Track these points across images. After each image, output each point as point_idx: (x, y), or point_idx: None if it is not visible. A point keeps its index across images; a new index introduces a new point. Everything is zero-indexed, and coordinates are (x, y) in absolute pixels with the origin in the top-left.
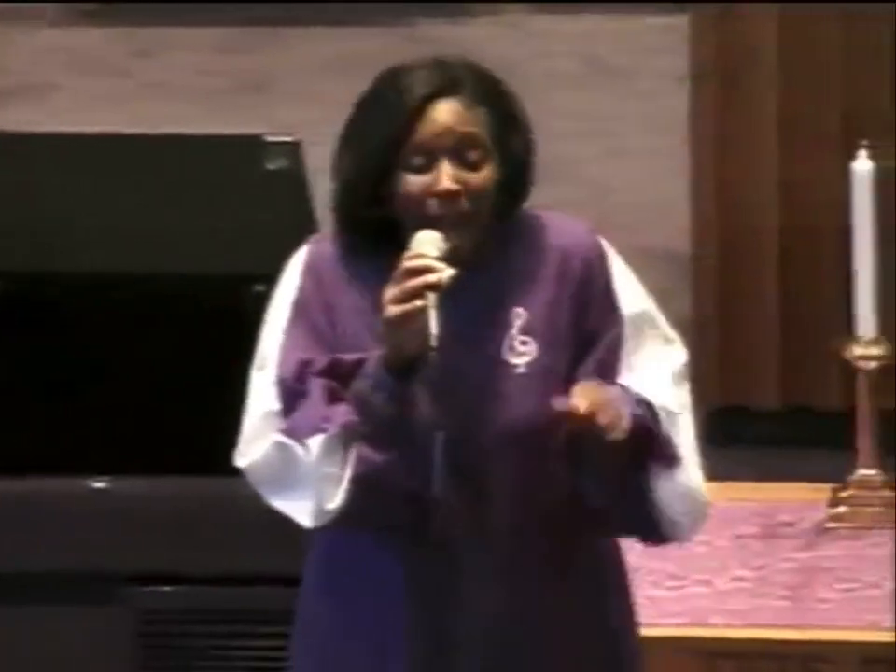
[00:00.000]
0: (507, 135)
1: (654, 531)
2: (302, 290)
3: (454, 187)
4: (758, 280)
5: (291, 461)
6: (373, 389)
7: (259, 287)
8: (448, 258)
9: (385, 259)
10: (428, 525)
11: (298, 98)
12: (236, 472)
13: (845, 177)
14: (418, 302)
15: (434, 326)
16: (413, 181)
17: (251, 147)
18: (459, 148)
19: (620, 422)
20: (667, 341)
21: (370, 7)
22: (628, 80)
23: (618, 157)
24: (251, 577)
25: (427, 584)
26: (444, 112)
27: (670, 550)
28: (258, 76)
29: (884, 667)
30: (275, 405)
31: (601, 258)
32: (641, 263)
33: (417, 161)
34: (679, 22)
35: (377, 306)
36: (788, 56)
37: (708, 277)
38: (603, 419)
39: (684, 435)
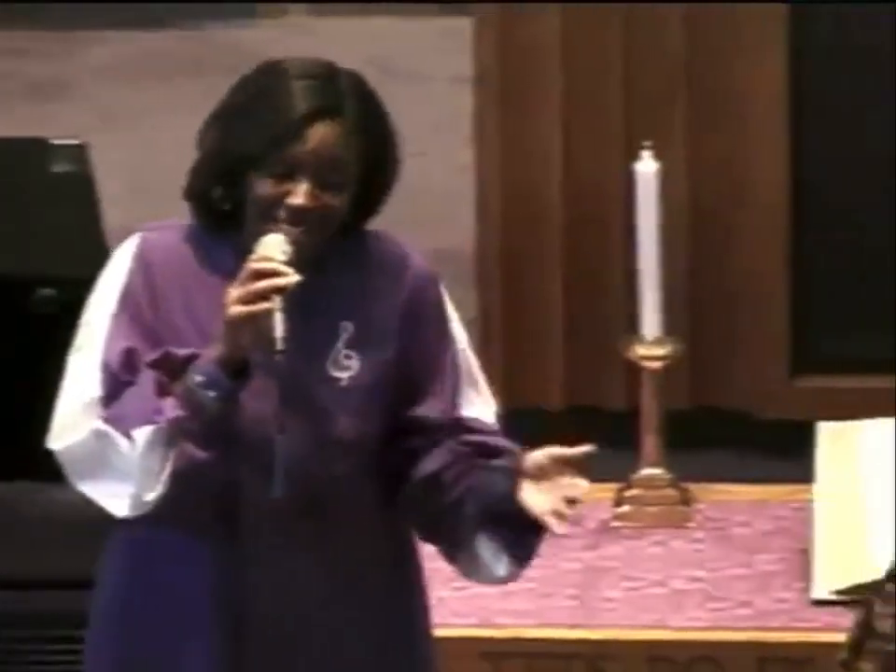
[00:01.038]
0: (378, 163)
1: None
2: (131, 280)
3: (308, 205)
4: (542, 280)
5: (111, 449)
6: (205, 387)
7: (46, 291)
8: (290, 263)
9: (228, 256)
10: (238, 525)
11: (86, 101)
12: (20, 476)
13: (628, 177)
14: (264, 305)
15: (280, 329)
16: (270, 185)
17: (37, 150)
18: (325, 170)
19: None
20: (483, 386)
21: (161, 9)
22: (413, 81)
23: (403, 157)
24: (39, 580)
25: (234, 584)
26: (321, 135)
27: None
28: (46, 79)
29: (668, 665)
30: (97, 391)
31: (433, 281)
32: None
33: (280, 169)
34: (462, 24)
35: (214, 304)
36: (570, 56)
37: (493, 277)
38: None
39: None
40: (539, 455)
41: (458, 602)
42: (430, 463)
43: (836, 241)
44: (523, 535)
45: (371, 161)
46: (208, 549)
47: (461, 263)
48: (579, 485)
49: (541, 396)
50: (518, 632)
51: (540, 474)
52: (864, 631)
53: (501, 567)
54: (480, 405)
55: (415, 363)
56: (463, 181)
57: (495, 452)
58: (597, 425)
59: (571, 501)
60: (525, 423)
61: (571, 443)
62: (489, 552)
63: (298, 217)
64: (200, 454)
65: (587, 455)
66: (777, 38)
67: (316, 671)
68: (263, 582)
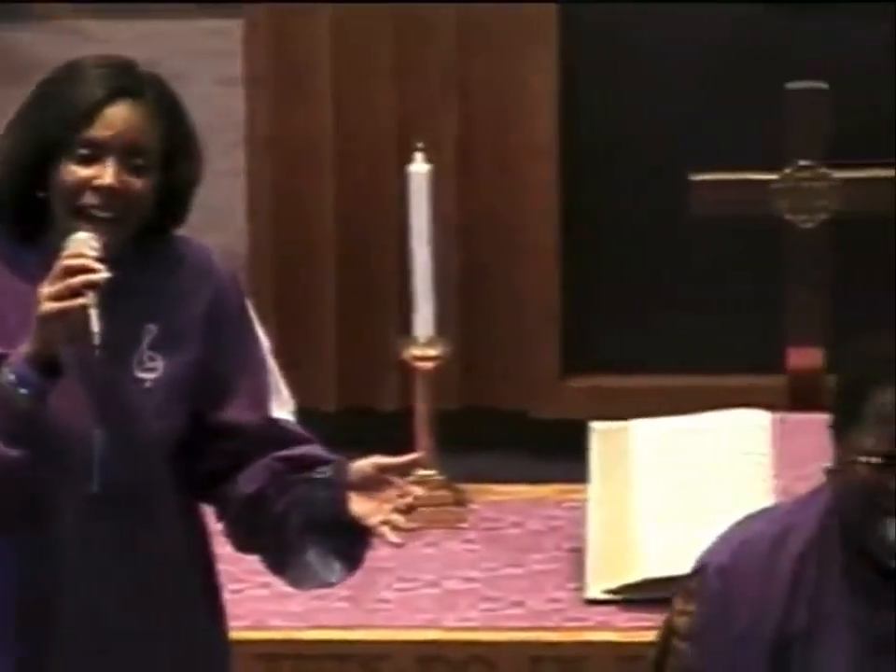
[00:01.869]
0: (177, 155)
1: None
2: None
3: (115, 184)
4: (315, 282)
5: None
6: (16, 384)
7: None
8: (100, 260)
9: (34, 262)
10: (47, 525)
11: None
12: None
13: (402, 179)
14: (78, 300)
15: (95, 324)
16: (75, 171)
17: None
18: (128, 151)
19: None
20: (283, 387)
21: None
22: (183, 83)
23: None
24: None
25: (40, 585)
26: (123, 113)
27: (235, 554)
28: None
29: (442, 665)
30: None
31: (236, 283)
32: None
33: (84, 152)
34: (232, 25)
35: (22, 311)
36: (341, 58)
37: (266, 279)
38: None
39: None
40: (364, 465)
41: (232, 604)
42: (252, 481)
43: (606, 241)
44: (352, 541)
45: (173, 150)
46: (16, 550)
47: (233, 265)
48: (411, 493)
49: (315, 397)
50: (292, 634)
51: (367, 483)
52: (667, 629)
53: (333, 573)
54: (285, 406)
55: (221, 365)
56: (234, 183)
57: (316, 462)
58: (371, 426)
59: (405, 511)
60: (301, 424)
61: (344, 446)
62: (319, 560)
63: (104, 198)
64: (10, 452)
65: (413, 462)
66: (548, 38)
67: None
68: (70, 583)
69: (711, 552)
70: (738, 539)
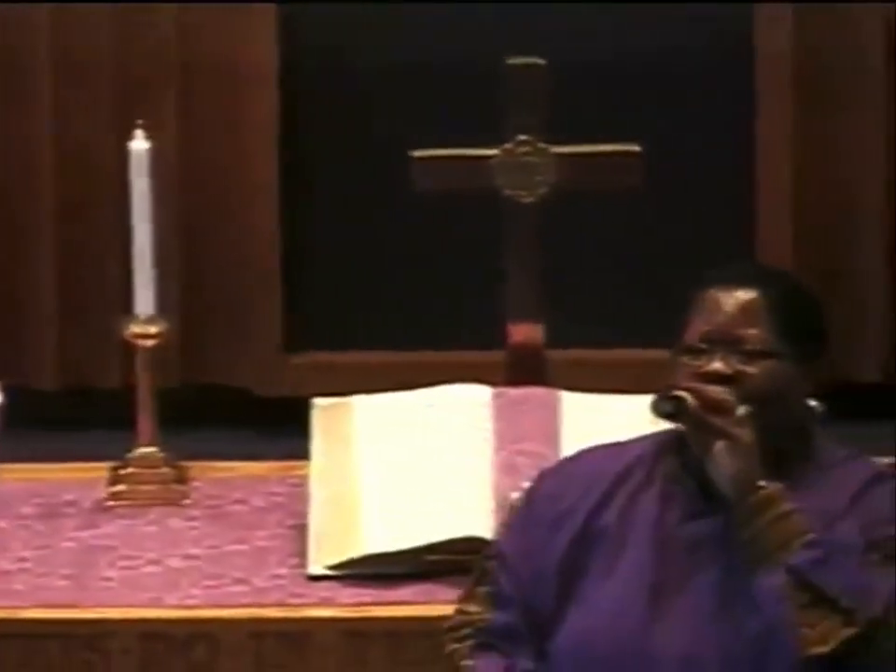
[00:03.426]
0: None
1: None
2: None
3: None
4: (37, 260)
5: None
6: None
7: None
8: None
9: None
10: None
11: None
12: None
13: (123, 157)
14: None
15: None
16: None
17: None
18: None
19: None
20: None
21: None
22: None
23: None
24: None
25: None
26: None
27: None
28: None
29: (165, 643)
30: None
31: None
32: None
33: None
34: None
35: None
36: (61, 39)
37: None
38: None
39: None
40: None
41: None
42: None
43: (328, 217)
44: None
45: None
46: None
47: None
48: None
49: (35, 376)
50: (14, 613)
51: None
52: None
53: None
54: None
55: None
56: None
57: None
58: (94, 405)
59: None
60: (20, 404)
61: (66, 425)
62: None
63: None
64: None
65: None
66: (268, 23)
67: None
68: None
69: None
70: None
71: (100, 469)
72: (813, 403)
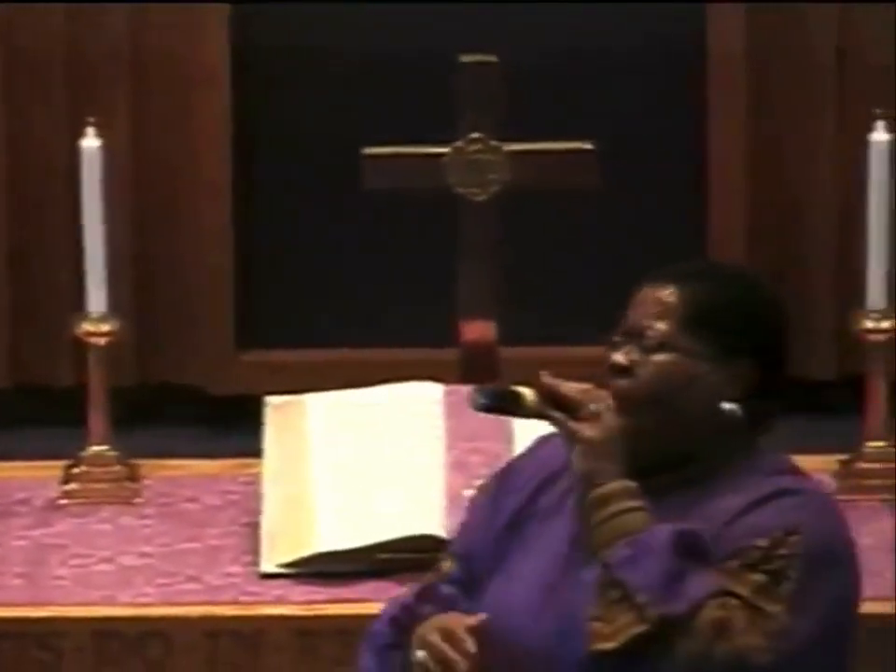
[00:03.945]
0: None
1: None
2: None
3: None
4: None
5: None
6: None
7: None
8: None
9: None
10: None
11: None
12: None
13: (73, 155)
14: None
15: None
16: None
17: None
18: None
19: None
20: None
21: None
22: None
23: None
24: None
25: None
26: None
27: None
28: None
29: (118, 642)
30: None
31: None
32: None
33: None
34: None
35: None
36: (12, 36)
37: None
38: None
39: None
40: None
41: None
42: None
43: (283, 216)
44: None
45: None
46: None
47: None
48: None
49: None
50: None
51: None
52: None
53: None
54: None
55: None
56: None
57: None
58: (46, 403)
59: None
60: None
61: (19, 424)
62: None
63: None
64: None
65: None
66: (220, 22)
67: None
68: None
69: None
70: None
71: (52, 468)
72: (727, 406)
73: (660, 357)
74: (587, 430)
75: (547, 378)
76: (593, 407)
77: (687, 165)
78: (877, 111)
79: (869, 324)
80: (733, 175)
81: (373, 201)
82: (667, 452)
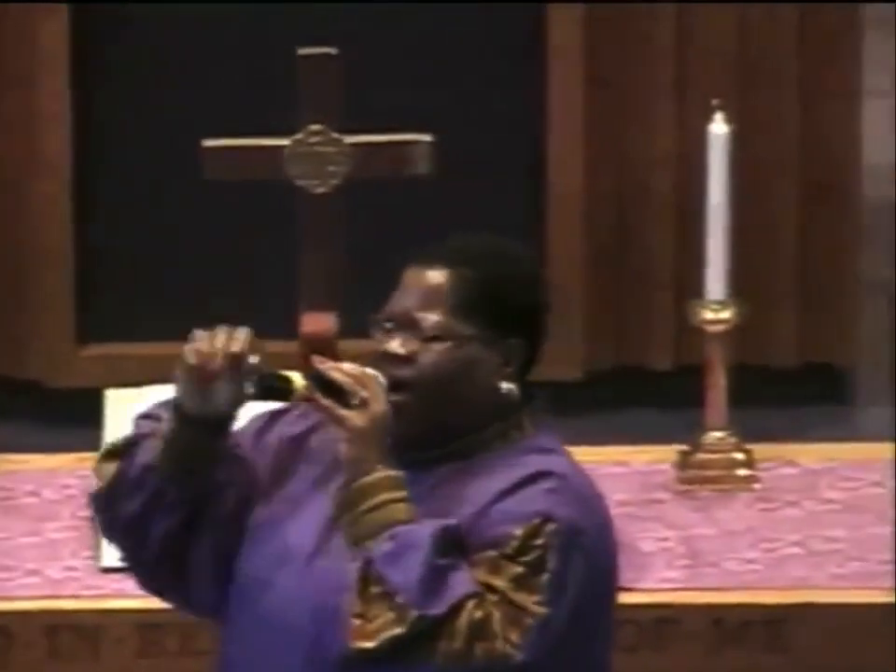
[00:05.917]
0: None
1: None
2: None
3: None
4: None
5: None
6: None
7: None
8: None
9: None
10: None
11: None
12: None
13: None
14: None
15: None
16: None
17: None
18: None
19: None
20: None
21: None
22: None
23: None
24: None
25: None
26: None
27: None
28: None
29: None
30: None
31: None
32: None
33: None
34: None
35: None
36: None
37: None
38: None
39: None
40: None
41: None
42: None
43: (122, 209)
44: None
45: None
46: None
47: None
48: None
49: None
50: None
51: None
52: None
53: None
54: None
55: None
56: None
57: None
58: None
59: None
60: None
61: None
62: None
63: None
64: None
65: None
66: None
67: None
68: None
69: None
70: None
71: None
72: (505, 386)
73: (438, 346)
74: (354, 419)
75: (318, 362)
76: (362, 394)
77: (526, 162)
78: (715, 102)
79: (708, 314)
80: (572, 168)
81: (214, 191)
82: (441, 429)
